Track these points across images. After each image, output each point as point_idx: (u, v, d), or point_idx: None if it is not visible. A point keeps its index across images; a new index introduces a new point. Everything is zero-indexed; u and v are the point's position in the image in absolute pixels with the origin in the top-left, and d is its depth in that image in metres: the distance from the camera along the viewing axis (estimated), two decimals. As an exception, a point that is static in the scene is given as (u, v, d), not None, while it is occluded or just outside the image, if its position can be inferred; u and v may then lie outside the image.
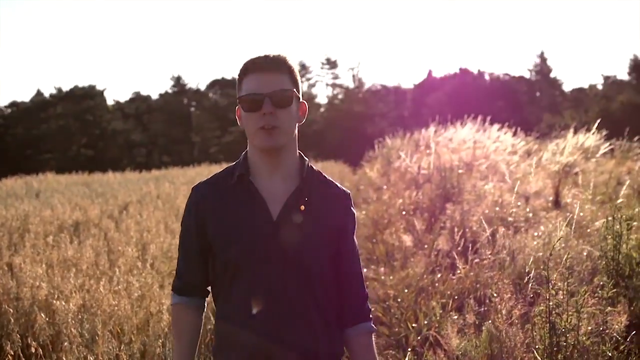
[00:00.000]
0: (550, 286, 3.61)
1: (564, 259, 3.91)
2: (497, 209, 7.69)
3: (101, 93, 57.38)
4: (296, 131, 2.31)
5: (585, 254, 5.09)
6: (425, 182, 10.81)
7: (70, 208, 11.18)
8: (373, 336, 2.38)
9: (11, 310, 5.23)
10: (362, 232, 10.16)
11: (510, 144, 14.47)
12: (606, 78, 60.59)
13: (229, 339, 2.28)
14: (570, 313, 3.54)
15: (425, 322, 5.22)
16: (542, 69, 65.83)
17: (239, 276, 2.24)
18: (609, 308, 3.72)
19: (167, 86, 76.69)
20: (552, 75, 65.94)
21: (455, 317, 4.72)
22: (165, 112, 57.59)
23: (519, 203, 7.86)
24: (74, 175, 24.43)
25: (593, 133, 17.95)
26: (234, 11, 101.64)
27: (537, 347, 3.67)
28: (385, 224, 9.39)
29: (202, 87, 62.11)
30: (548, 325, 3.56)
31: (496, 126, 17.08)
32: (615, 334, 3.65)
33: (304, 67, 63.00)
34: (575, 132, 17.67)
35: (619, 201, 5.23)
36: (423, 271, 6.34)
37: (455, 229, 6.82)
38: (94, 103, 55.89)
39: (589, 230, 6.11)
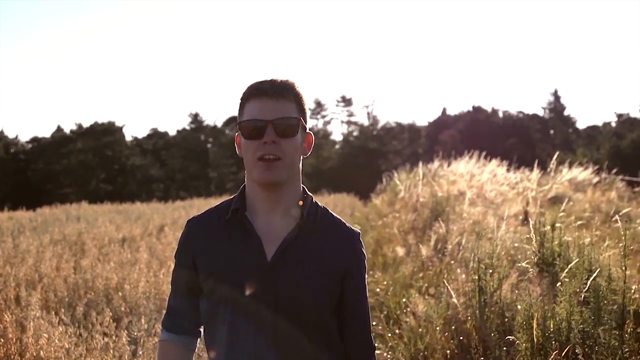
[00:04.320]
0: (477, 261, 5.28)
1: (497, 250, 5.58)
2: (476, 228, 9.33)
3: (120, 129, 57.98)
4: (300, 164, 2.13)
5: (529, 252, 6.71)
6: (423, 208, 12.48)
7: (114, 228, 12.94)
8: None
9: (92, 293, 6.93)
10: (367, 249, 11.86)
11: (503, 177, 16.22)
12: (619, 116, 59.96)
13: None
14: (494, 281, 5.19)
15: (404, 300, 6.89)
16: (556, 106, 66.83)
17: (228, 320, 2.05)
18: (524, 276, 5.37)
19: (184, 123, 78.26)
20: (565, 113, 67.00)
21: (426, 297, 6.37)
22: (182, 148, 58.49)
23: (494, 221, 9.48)
24: (105, 205, 26.28)
25: (585, 169, 19.87)
26: (252, 50, 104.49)
27: (471, 304, 5.31)
28: (385, 241, 11.06)
29: (219, 124, 63.08)
30: (478, 288, 5.21)
31: (494, 161, 18.83)
32: (530, 299, 5.25)
33: (319, 105, 64.40)
34: (570, 167, 19.53)
35: (560, 214, 6.80)
36: (409, 272, 8.00)
37: (437, 240, 8.48)
38: (113, 139, 56.37)
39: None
